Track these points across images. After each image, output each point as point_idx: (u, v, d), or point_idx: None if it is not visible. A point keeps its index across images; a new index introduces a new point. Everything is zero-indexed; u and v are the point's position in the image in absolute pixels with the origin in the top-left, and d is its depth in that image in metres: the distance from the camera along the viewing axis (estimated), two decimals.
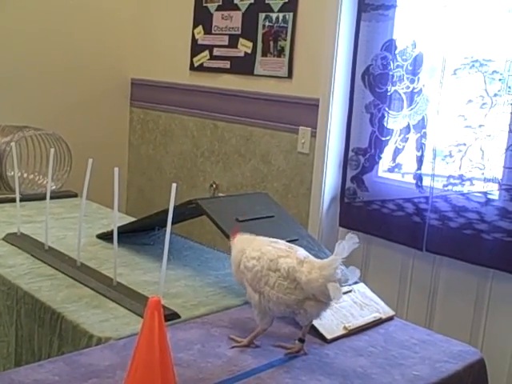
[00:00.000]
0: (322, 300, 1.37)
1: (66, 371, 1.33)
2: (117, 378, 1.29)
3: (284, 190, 2.96)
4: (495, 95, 2.27)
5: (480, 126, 2.31)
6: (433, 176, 2.44)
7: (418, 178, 2.49)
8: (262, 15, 3.00)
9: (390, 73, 2.54)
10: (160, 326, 1.18)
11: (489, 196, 2.31)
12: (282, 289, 1.41)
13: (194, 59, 3.36)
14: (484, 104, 2.30)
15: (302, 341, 1.49)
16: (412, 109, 2.53)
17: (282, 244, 1.49)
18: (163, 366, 1.18)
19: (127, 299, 1.75)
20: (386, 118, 2.58)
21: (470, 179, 2.36)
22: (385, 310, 1.78)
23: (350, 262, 2.86)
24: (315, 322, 1.60)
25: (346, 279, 1.36)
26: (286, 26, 2.90)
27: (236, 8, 3.11)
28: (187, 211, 2.08)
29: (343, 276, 1.35)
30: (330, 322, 1.62)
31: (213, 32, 3.24)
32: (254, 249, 1.47)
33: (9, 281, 1.80)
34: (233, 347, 1.49)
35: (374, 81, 2.60)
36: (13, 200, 2.27)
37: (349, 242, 1.33)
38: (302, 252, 1.45)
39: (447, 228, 2.40)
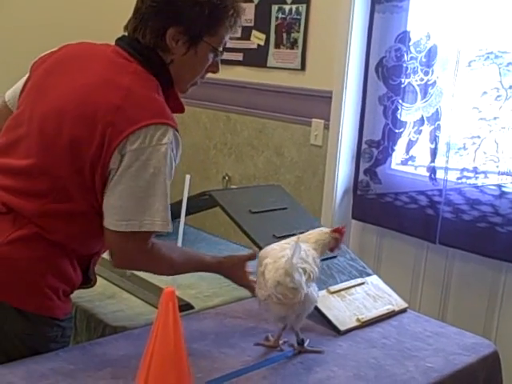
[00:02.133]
0: (275, 301, 1.35)
1: (81, 360, 1.35)
2: (131, 367, 1.29)
3: (297, 183, 2.96)
4: (510, 87, 2.25)
5: (495, 118, 2.29)
6: (446, 169, 2.43)
7: (432, 170, 2.48)
8: (275, 7, 2.99)
9: (404, 65, 2.53)
10: (175, 316, 1.19)
11: (503, 189, 2.29)
12: (258, 282, 1.42)
13: None
14: (499, 96, 2.28)
15: (298, 343, 1.48)
16: (426, 101, 2.51)
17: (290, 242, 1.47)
18: (178, 356, 1.19)
19: (141, 290, 1.76)
20: (399, 111, 2.57)
21: (484, 172, 2.34)
22: (398, 302, 1.78)
23: (364, 254, 2.86)
24: (329, 314, 1.60)
25: (299, 283, 1.33)
26: (299, 17, 2.89)
27: (249, 0, 3.10)
28: (200, 203, 2.09)
29: (296, 280, 1.32)
30: (343, 314, 1.63)
31: None
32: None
33: None
34: (257, 344, 1.49)
35: (387, 73, 2.59)
36: None
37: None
38: (287, 252, 1.38)
39: (461, 221, 2.39)
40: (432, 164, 2.48)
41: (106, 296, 1.72)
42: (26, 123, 1.41)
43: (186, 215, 1.75)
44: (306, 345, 1.48)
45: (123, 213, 1.32)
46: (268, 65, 3.04)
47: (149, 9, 1.40)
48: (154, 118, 1.33)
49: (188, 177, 1.66)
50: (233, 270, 1.62)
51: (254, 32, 3.09)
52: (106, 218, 1.35)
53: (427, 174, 2.50)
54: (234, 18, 1.45)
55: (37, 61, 1.52)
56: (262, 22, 3.05)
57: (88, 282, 1.53)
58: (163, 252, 1.46)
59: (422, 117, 2.52)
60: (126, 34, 1.46)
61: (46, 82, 1.43)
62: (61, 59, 1.47)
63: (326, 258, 1.76)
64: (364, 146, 2.69)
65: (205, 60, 1.46)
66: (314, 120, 2.86)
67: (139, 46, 1.42)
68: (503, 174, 2.29)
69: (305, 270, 1.37)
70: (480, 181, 2.35)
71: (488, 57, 2.30)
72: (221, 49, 1.48)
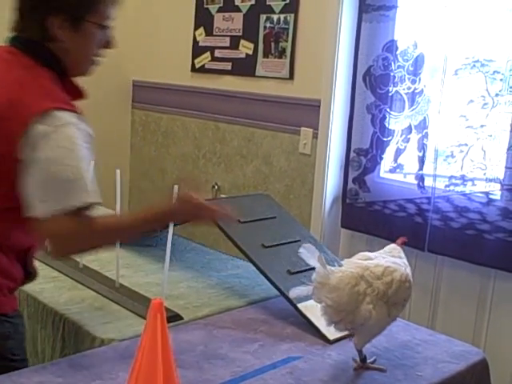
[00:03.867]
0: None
1: (69, 373, 1.34)
2: (119, 380, 1.29)
3: (286, 191, 2.97)
4: (496, 95, 2.27)
5: (481, 126, 2.31)
6: (434, 176, 2.44)
7: (420, 178, 2.49)
8: (263, 16, 3.00)
9: (392, 73, 2.54)
10: (162, 327, 1.18)
11: (491, 196, 2.31)
12: None
13: (196, 61, 3.36)
14: (485, 104, 2.30)
15: (361, 360, 1.48)
16: (413, 109, 2.52)
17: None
18: (166, 368, 1.18)
19: (130, 301, 1.75)
20: (387, 119, 2.58)
21: (471, 179, 2.35)
22: None
23: None
24: (318, 323, 1.60)
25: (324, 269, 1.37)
26: (287, 27, 2.90)
27: (237, 9, 3.11)
28: None
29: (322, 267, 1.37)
30: None
31: (214, 33, 3.25)
32: None
33: None
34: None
35: (375, 81, 2.60)
36: None
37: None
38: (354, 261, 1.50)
39: (449, 228, 2.40)
40: (420, 172, 2.49)
41: (95, 308, 1.71)
42: None
43: (175, 225, 1.75)
44: (369, 361, 1.48)
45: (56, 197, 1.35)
46: (256, 74, 3.05)
47: (25, 6, 1.44)
48: (51, 103, 1.35)
49: (176, 187, 1.66)
50: (186, 205, 1.59)
51: (243, 41, 3.10)
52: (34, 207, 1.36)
53: (415, 182, 2.51)
54: None
55: None
56: (250, 31, 3.06)
57: (30, 276, 1.57)
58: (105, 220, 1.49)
59: (410, 125, 2.54)
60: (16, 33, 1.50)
61: None
62: None
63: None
64: (352, 154, 2.70)
65: (94, 39, 1.48)
66: (302, 129, 2.87)
67: (27, 41, 1.45)
68: (490, 181, 2.31)
69: (371, 286, 1.40)
70: (468, 188, 2.36)
71: (474, 65, 2.32)
72: (107, 24, 1.49)
